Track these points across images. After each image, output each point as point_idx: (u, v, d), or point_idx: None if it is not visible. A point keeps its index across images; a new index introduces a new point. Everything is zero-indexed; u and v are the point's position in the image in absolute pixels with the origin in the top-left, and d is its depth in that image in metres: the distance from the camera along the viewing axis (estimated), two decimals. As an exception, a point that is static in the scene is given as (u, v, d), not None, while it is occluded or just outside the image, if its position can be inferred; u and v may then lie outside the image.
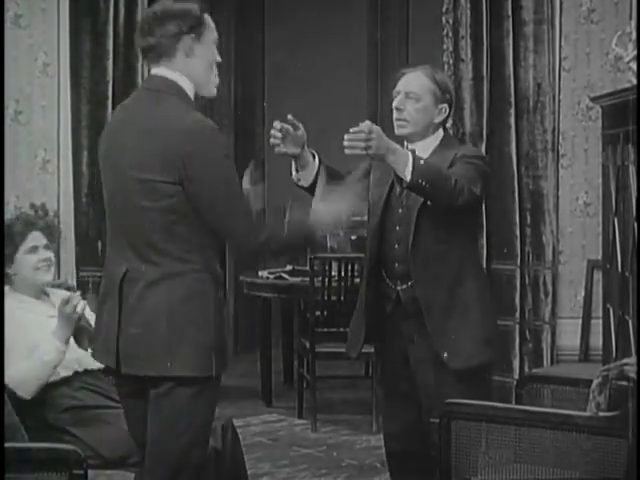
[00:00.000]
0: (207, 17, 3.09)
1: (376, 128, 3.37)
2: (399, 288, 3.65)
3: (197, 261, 2.99)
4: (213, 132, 3.00)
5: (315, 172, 3.60)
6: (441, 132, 3.70)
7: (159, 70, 3.06)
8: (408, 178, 3.37)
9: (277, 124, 3.52)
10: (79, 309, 3.65)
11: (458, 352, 3.57)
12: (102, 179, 3.16)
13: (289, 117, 3.53)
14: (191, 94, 3.07)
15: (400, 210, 3.65)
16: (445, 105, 3.67)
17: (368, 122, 3.38)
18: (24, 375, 3.61)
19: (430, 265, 3.59)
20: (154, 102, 3.04)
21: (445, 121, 3.71)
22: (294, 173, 3.63)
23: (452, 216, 3.55)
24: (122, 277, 3.01)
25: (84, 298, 3.76)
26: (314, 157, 3.62)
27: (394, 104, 3.67)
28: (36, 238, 3.86)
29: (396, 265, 3.64)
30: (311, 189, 3.61)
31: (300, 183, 3.63)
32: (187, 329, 2.97)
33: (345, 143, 3.35)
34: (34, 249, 3.83)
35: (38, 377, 3.63)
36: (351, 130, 3.36)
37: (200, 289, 3.00)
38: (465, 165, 3.56)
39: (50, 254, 3.88)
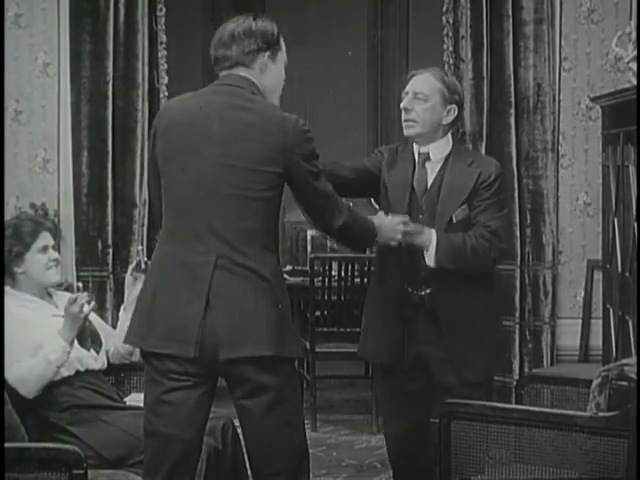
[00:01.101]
0: (281, 38, 3.23)
1: (428, 230, 3.56)
2: (422, 293, 3.67)
3: (274, 251, 3.12)
4: (305, 126, 3.12)
5: None
6: (450, 137, 3.72)
7: (236, 71, 3.16)
8: (432, 264, 3.56)
9: None
10: (86, 309, 3.65)
11: (475, 365, 3.65)
12: (171, 167, 3.12)
13: None
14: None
15: (421, 216, 3.67)
16: (454, 106, 3.68)
17: (426, 229, 3.57)
18: (27, 374, 3.61)
19: (450, 274, 3.61)
20: (246, 96, 3.11)
21: (454, 123, 3.72)
22: None
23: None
24: (213, 265, 3.02)
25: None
26: None
27: (402, 104, 3.69)
28: (46, 238, 3.88)
29: (421, 273, 3.65)
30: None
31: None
32: (282, 314, 3.07)
33: (403, 238, 3.55)
34: (45, 249, 3.85)
35: (41, 376, 3.63)
36: (406, 229, 3.55)
37: (279, 276, 3.14)
38: (490, 209, 3.63)
39: (57, 255, 3.91)
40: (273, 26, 3.21)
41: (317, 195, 3.17)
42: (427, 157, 3.69)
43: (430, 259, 3.55)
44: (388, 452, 3.92)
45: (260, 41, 3.15)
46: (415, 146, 3.72)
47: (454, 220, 3.61)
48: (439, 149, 3.69)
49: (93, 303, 3.71)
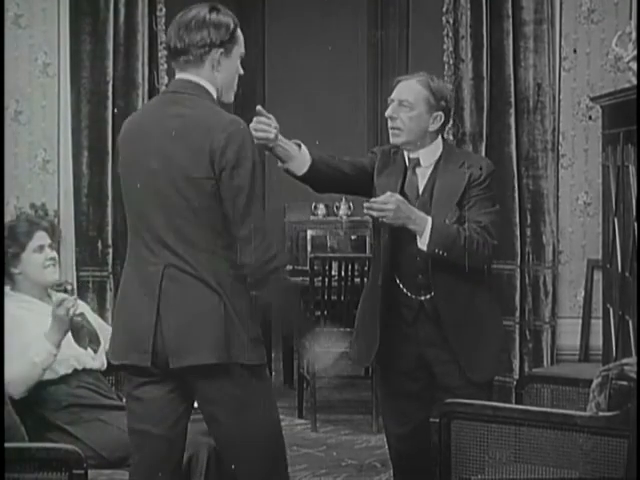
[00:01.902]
0: (239, 31, 3.15)
1: (395, 199, 3.49)
2: (423, 298, 3.66)
3: (227, 259, 3.05)
4: (248, 132, 3.07)
5: (309, 164, 3.61)
6: (440, 141, 3.70)
7: (185, 75, 3.12)
8: (424, 248, 3.52)
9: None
10: (72, 312, 3.64)
11: (479, 366, 3.65)
12: (126, 182, 3.21)
13: (258, 108, 3.54)
14: (215, 96, 3.13)
15: None
16: (440, 113, 3.66)
17: (389, 193, 3.50)
18: (14, 375, 3.60)
19: (450, 277, 3.61)
20: (185, 103, 3.08)
21: (442, 129, 3.71)
22: (279, 163, 3.64)
23: None
24: (161, 275, 3.05)
25: (85, 299, 3.77)
26: (299, 147, 3.62)
27: (387, 113, 3.68)
28: (42, 237, 3.88)
29: (419, 277, 3.65)
30: (303, 179, 3.66)
31: (290, 170, 3.63)
32: (231, 321, 3.04)
33: (365, 210, 3.51)
34: (41, 248, 3.85)
35: (27, 377, 3.62)
36: (371, 200, 3.51)
37: (231, 283, 3.06)
38: (480, 205, 3.61)
39: (55, 254, 3.91)
40: (229, 19, 3.11)
41: (229, 211, 3.03)
42: (417, 163, 3.68)
43: (423, 243, 3.51)
44: (389, 452, 3.92)
45: (213, 36, 3.07)
46: (405, 153, 3.72)
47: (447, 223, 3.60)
48: (429, 154, 3.68)
49: (79, 304, 3.69)
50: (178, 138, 3.03)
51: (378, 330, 3.68)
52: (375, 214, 3.49)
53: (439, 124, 3.67)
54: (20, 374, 3.59)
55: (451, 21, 5.94)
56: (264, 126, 3.49)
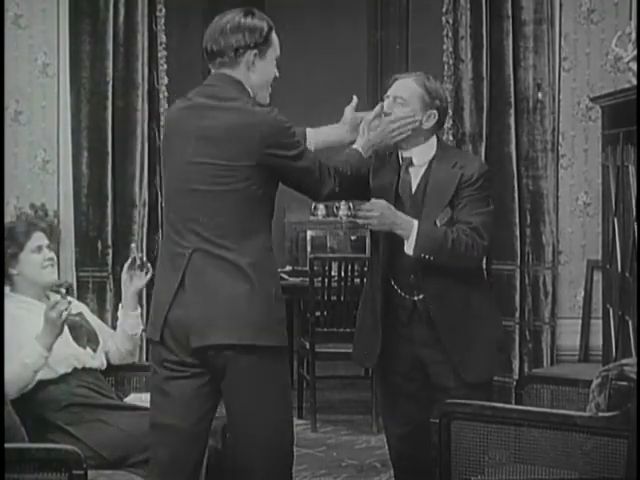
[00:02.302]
0: (274, 34, 3.28)
1: (379, 205, 3.54)
2: (415, 298, 3.67)
3: (257, 240, 3.16)
4: (276, 116, 3.19)
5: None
6: (434, 140, 3.71)
7: (222, 69, 3.23)
8: (411, 253, 3.54)
9: None
10: (64, 315, 3.63)
11: (473, 367, 3.64)
12: (165, 167, 3.33)
13: None
14: (251, 93, 3.25)
15: None
16: (434, 111, 3.67)
17: (374, 200, 3.57)
18: (7, 375, 3.58)
19: (441, 277, 3.61)
20: (222, 94, 3.19)
21: (436, 128, 3.72)
22: None
23: None
24: (188, 258, 3.13)
25: (85, 299, 3.76)
26: None
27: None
28: (40, 238, 3.88)
29: (411, 277, 3.65)
30: None
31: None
32: (259, 303, 3.11)
33: (352, 218, 3.58)
34: (39, 248, 3.85)
35: (18, 379, 3.61)
36: (357, 207, 3.59)
37: (261, 265, 3.15)
38: (471, 205, 3.61)
39: (53, 254, 3.91)
40: (263, 23, 3.25)
41: (300, 175, 3.25)
42: (410, 162, 3.69)
43: (409, 248, 3.53)
44: (389, 452, 3.92)
45: (248, 39, 3.20)
46: (399, 150, 3.73)
47: (438, 224, 3.60)
48: (422, 153, 3.69)
49: (70, 308, 3.69)
50: (216, 128, 3.14)
51: (380, 331, 3.69)
52: (360, 221, 3.56)
53: (433, 122, 3.68)
54: (11, 375, 3.59)
55: (451, 21, 5.94)
56: None
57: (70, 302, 3.71)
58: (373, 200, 3.56)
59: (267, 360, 3.14)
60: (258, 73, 3.24)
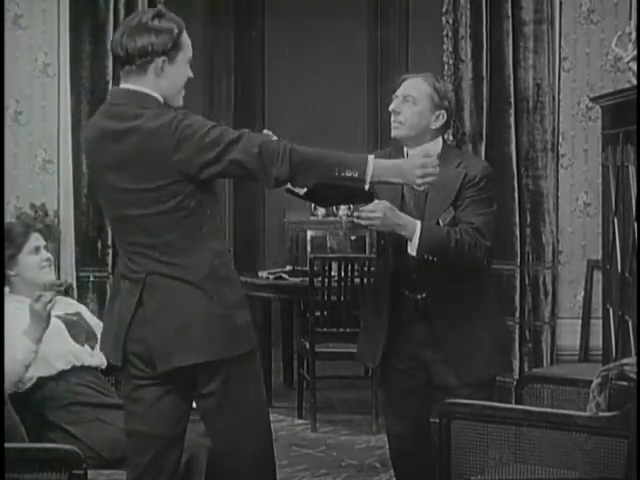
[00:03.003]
0: (184, 36, 3.10)
1: (382, 206, 3.51)
2: (418, 297, 3.67)
3: (206, 251, 3.07)
4: (181, 119, 3.01)
5: None
6: (439, 141, 3.72)
7: (127, 85, 3.10)
8: (414, 254, 3.52)
9: None
10: (49, 307, 3.63)
11: (474, 367, 3.65)
12: (98, 197, 3.28)
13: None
14: (161, 101, 3.10)
15: None
16: (442, 112, 3.68)
17: (376, 201, 3.53)
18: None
19: (442, 277, 3.61)
20: (129, 114, 3.06)
21: (443, 129, 3.73)
22: None
23: None
24: (143, 283, 3.08)
25: (85, 299, 3.76)
26: None
27: (391, 107, 3.71)
28: (37, 239, 3.89)
29: (413, 276, 3.66)
30: (305, 197, 3.71)
31: (292, 190, 3.65)
32: (216, 315, 3.05)
33: (354, 219, 3.54)
34: (37, 249, 3.86)
35: (9, 374, 3.60)
36: (360, 208, 3.53)
37: (214, 276, 3.07)
38: (474, 206, 3.61)
39: (49, 254, 3.92)
40: (173, 25, 3.07)
41: (233, 170, 3.03)
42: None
43: (412, 249, 3.53)
44: (390, 451, 3.92)
45: (155, 44, 3.03)
46: (405, 149, 3.73)
47: (441, 224, 3.60)
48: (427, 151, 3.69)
49: (54, 301, 3.69)
50: (129, 153, 3.03)
51: (385, 330, 3.69)
52: (363, 222, 3.54)
53: (441, 123, 3.69)
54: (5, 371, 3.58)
55: (451, 21, 5.94)
56: None
57: (54, 294, 3.70)
58: (376, 201, 3.55)
59: (237, 368, 3.10)
60: (168, 79, 3.07)
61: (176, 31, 3.07)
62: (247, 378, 3.15)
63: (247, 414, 3.15)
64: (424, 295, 3.65)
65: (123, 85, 3.12)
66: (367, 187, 3.12)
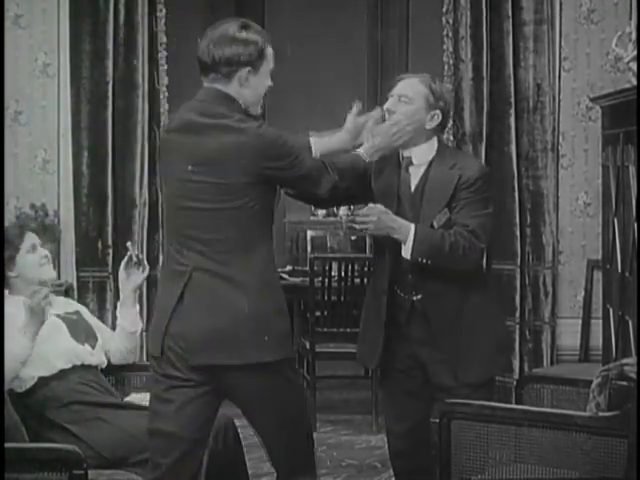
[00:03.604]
0: (269, 48, 3.21)
1: (377, 210, 3.53)
2: (414, 298, 3.67)
3: (258, 255, 3.15)
4: (267, 130, 3.16)
5: None
6: (435, 141, 3.71)
7: (214, 84, 3.18)
8: (408, 257, 3.54)
9: None
10: (44, 303, 3.64)
11: (471, 367, 3.64)
12: (163, 185, 3.33)
13: None
14: (242, 107, 3.20)
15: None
16: (437, 112, 3.67)
17: (371, 205, 3.55)
18: None
19: (438, 278, 3.61)
20: (209, 113, 3.14)
21: (438, 129, 3.72)
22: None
23: None
24: (187, 277, 3.13)
25: (85, 299, 3.76)
26: None
27: (385, 106, 3.70)
28: (32, 237, 3.91)
29: (409, 277, 3.66)
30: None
31: (291, 193, 3.67)
32: (260, 318, 3.11)
33: (348, 223, 3.54)
34: (33, 247, 3.87)
35: (6, 370, 3.60)
36: (355, 212, 3.59)
37: (261, 280, 3.14)
38: (469, 208, 3.60)
39: (46, 251, 3.93)
40: (258, 37, 3.18)
41: (298, 183, 3.26)
42: (410, 161, 3.69)
43: (407, 252, 3.54)
44: (389, 451, 3.92)
45: (242, 54, 3.14)
46: (400, 150, 3.73)
47: (435, 226, 3.60)
48: (422, 153, 3.69)
49: (49, 297, 3.69)
50: (210, 147, 3.11)
51: (383, 331, 3.69)
52: (358, 227, 3.55)
53: (436, 123, 3.68)
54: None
55: (451, 21, 5.94)
56: None
57: (49, 291, 3.70)
58: (370, 205, 3.55)
59: (275, 373, 3.15)
60: (251, 88, 3.19)
61: (261, 43, 3.17)
62: (287, 384, 3.22)
63: (292, 419, 3.25)
64: (420, 296, 3.66)
65: (210, 86, 3.19)
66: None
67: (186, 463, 3.20)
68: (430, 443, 3.67)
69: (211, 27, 3.22)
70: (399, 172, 3.71)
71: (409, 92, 3.67)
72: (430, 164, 3.68)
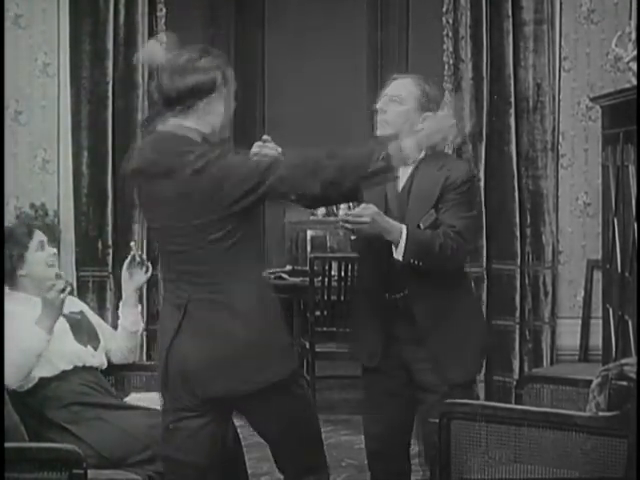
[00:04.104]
0: (229, 71, 3.16)
1: (370, 211, 3.53)
2: (397, 297, 3.68)
3: (248, 277, 3.14)
4: (234, 160, 3.10)
5: None
6: None
7: (177, 120, 3.13)
8: (400, 258, 3.54)
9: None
10: (62, 296, 3.64)
11: (454, 366, 3.65)
12: (150, 226, 3.33)
13: (265, 137, 3.56)
14: (208, 136, 3.16)
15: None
16: (429, 114, 3.68)
17: (364, 205, 3.53)
18: (7, 364, 3.56)
19: (422, 277, 3.62)
20: (174, 152, 3.10)
21: None
22: None
23: None
24: (184, 309, 3.12)
25: (85, 299, 3.76)
26: None
27: (378, 105, 3.73)
28: (40, 235, 3.91)
29: (393, 276, 3.67)
30: (293, 201, 3.68)
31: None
32: (265, 338, 3.12)
33: (340, 223, 3.60)
34: (42, 245, 3.87)
35: (20, 365, 3.59)
36: (347, 212, 3.59)
37: (256, 302, 3.14)
38: (455, 209, 3.62)
39: (54, 250, 3.94)
40: (219, 61, 3.14)
41: (275, 194, 3.12)
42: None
43: (399, 253, 3.54)
44: (366, 453, 3.93)
45: (205, 83, 3.09)
46: None
47: (422, 227, 3.61)
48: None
49: (69, 289, 3.70)
50: (177, 190, 3.07)
51: (379, 329, 3.70)
52: (351, 227, 3.55)
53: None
54: (13, 362, 3.56)
55: (451, 21, 5.94)
56: (273, 151, 3.51)
57: (69, 283, 3.71)
58: (363, 205, 3.55)
59: (283, 389, 3.16)
60: (216, 113, 3.14)
61: (222, 67, 3.14)
62: (293, 396, 3.23)
63: (303, 427, 3.29)
64: (402, 294, 3.66)
65: (172, 121, 3.14)
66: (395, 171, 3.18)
67: None
68: (408, 445, 3.79)
69: (168, 58, 3.17)
70: None
71: (402, 92, 3.69)
72: (418, 165, 3.69)
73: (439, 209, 3.62)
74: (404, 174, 3.69)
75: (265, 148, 3.52)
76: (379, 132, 3.73)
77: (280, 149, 3.53)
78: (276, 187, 3.06)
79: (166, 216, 3.13)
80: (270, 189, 3.06)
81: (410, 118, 3.67)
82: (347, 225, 3.56)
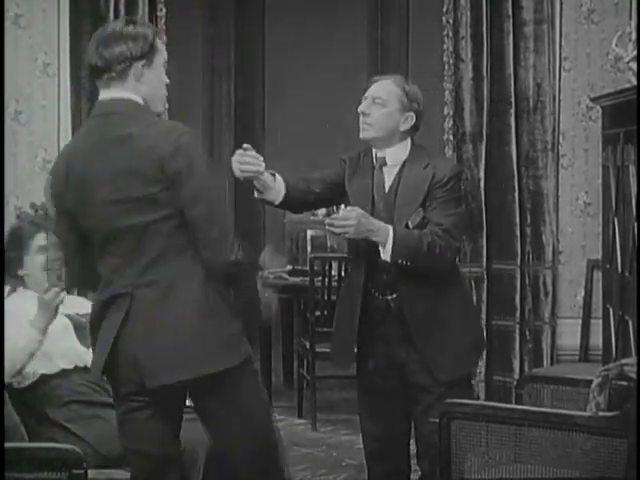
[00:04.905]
0: (158, 40, 3.14)
1: (355, 214, 3.53)
2: (389, 298, 3.68)
3: (192, 262, 3.05)
4: (192, 136, 3.05)
5: (283, 193, 3.66)
6: (409, 142, 3.75)
7: (110, 93, 3.10)
8: (388, 259, 3.55)
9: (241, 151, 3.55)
10: (59, 299, 3.64)
11: (446, 365, 3.66)
12: (78, 216, 3.14)
13: (245, 145, 3.54)
14: (145, 106, 3.12)
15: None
16: (411, 114, 3.70)
17: (349, 208, 3.55)
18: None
19: (413, 277, 3.62)
20: (121, 122, 3.06)
21: (412, 131, 3.74)
22: (256, 194, 3.66)
23: None
24: (130, 297, 3.05)
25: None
26: (274, 177, 3.66)
27: (360, 108, 3.74)
28: (42, 238, 3.89)
29: (384, 277, 3.67)
30: (279, 206, 3.71)
31: (267, 200, 3.67)
32: (208, 328, 3.05)
33: (326, 227, 3.56)
34: (43, 249, 3.86)
35: (11, 361, 3.59)
36: (332, 216, 3.56)
37: (210, 284, 3.06)
38: (443, 207, 3.63)
39: (59, 253, 3.92)
40: (147, 30, 3.12)
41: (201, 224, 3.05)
42: (384, 162, 3.72)
43: (386, 254, 3.55)
44: (364, 452, 3.94)
45: (133, 49, 3.07)
46: (374, 151, 3.75)
47: (410, 226, 3.61)
48: (396, 154, 3.72)
49: (64, 294, 3.69)
50: (124, 160, 3.02)
51: (355, 331, 3.71)
52: (337, 230, 3.54)
53: (410, 125, 3.71)
54: (5, 359, 3.57)
55: (451, 21, 5.94)
56: (253, 159, 3.51)
57: (64, 288, 3.71)
58: (349, 208, 3.57)
59: (232, 378, 3.08)
60: (148, 83, 3.09)
61: (151, 35, 3.11)
62: (243, 386, 3.13)
63: (246, 421, 3.15)
64: (395, 295, 3.67)
65: (106, 95, 3.11)
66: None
67: (161, 473, 3.18)
68: (405, 445, 3.81)
69: (98, 30, 3.16)
70: (373, 173, 3.73)
71: (383, 94, 3.70)
72: (404, 164, 3.70)
73: (427, 207, 3.63)
74: (390, 174, 3.71)
75: (245, 156, 3.52)
76: (362, 135, 3.73)
77: (262, 158, 3.54)
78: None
79: (109, 192, 3.02)
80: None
81: (393, 119, 3.69)
82: (333, 229, 3.55)
